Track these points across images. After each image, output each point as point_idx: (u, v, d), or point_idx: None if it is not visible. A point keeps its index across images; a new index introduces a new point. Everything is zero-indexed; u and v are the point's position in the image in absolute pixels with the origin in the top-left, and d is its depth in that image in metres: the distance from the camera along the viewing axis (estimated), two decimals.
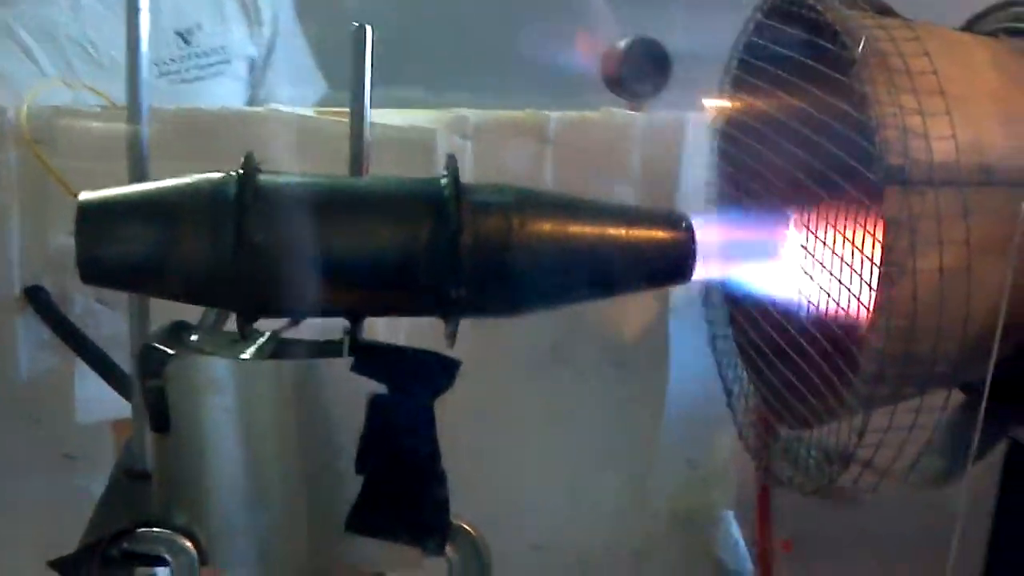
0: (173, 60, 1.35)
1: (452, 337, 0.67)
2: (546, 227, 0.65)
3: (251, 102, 1.44)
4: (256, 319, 0.66)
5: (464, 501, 0.72)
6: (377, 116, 0.95)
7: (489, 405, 1.00)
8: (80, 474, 0.96)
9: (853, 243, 0.62)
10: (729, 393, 0.86)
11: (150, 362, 0.69)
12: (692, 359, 1.03)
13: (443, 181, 0.66)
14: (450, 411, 0.70)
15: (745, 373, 0.84)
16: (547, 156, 0.96)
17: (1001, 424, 0.73)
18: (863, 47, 0.61)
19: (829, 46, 0.64)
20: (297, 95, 1.39)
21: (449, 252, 0.63)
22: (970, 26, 0.80)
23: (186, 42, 1.37)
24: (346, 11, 1.48)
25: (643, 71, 1.00)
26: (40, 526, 1.02)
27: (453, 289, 0.64)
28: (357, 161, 0.80)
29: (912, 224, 0.57)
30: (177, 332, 0.71)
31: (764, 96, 0.79)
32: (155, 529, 0.69)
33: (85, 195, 0.64)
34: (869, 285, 0.60)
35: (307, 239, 0.63)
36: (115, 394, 0.96)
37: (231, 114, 0.92)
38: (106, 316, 0.95)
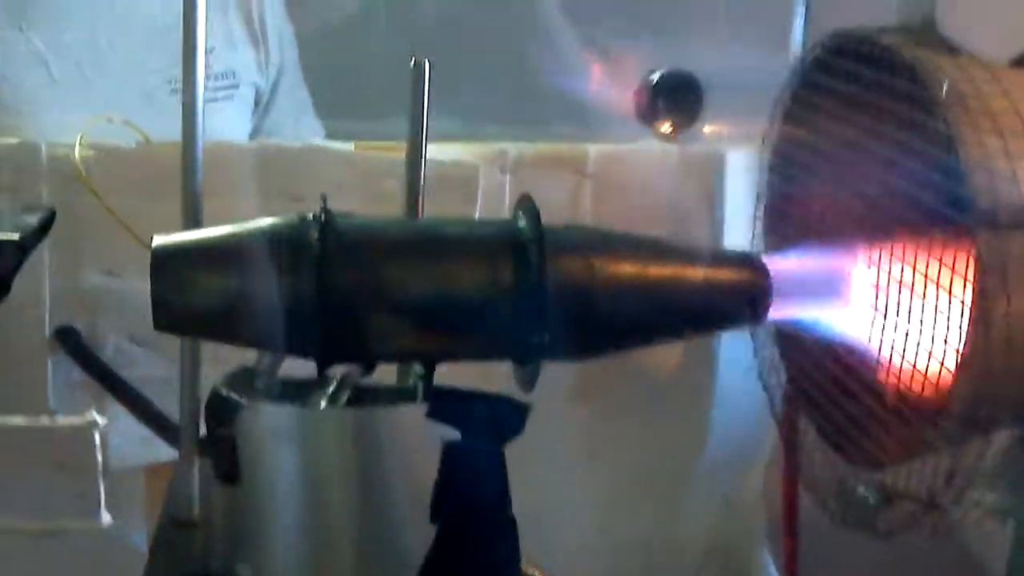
0: None
1: (531, 383, 0.66)
2: (627, 269, 0.65)
3: (255, 132, 1.44)
4: (332, 365, 0.65)
5: None
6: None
7: (525, 440, 0.98)
8: (114, 521, 0.94)
9: (938, 284, 0.62)
10: (781, 431, 0.85)
11: (220, 410, 0.67)
12: (733, 395, 1.03)
13: (521, 223, 0.65)
14: None
15: (800, 411, 0.84)
16: (586, 189, 0.96)
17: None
18: (947, 89, 0.61)
19: (904, 84, 0.65)
20: (297, 131, 1.39)
21: (532, 296, 0.62)
22: (1019, 63, 0.81)
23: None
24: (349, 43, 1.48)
25: (676, 103, 1.00)
26: (70, 574, 1.00)
27: (536, 334, 0.63)
28: (414, 196, 0.79)
29: (1004, 266, 0.58)
30: (245, 378, 0.70)
31: (818, 131, 0.79)
32: None
33: (159, 240, 0.62)
34: (959, 327, 0.60)
35: (388, 284, 0.62)
36: (149, 438, 0.94)
37: (271, 148, 0.91)
38: (139, 356, 0.93)
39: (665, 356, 1.01)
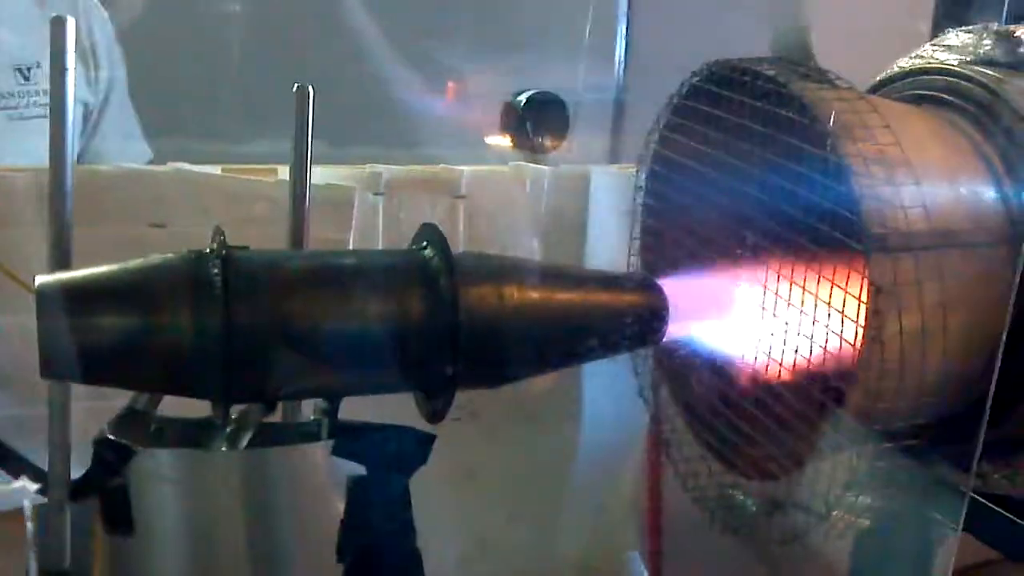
0: (12, 95, 1.28)
1: (441, 414, 0.65)
2: (534, 296, 0.65)
3: (83, 152, 1.37)
4: (234, 404, 0.62)
5: None
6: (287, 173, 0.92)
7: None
8: None
9: (830, 305, 0.65)
10: (667, 443, 0.88)
11: (111, 457, 0.63)
12: (601, 406, 1.05)
13: (427, 252, 0.64)
14: None
15: (681, 424, 0.86)
16: (459, 211, 0.95)
17: (927, 465, 0.79)
18: (833, 119, 0.64)
19: (787, 114, 0.68)
20: (123, 153, 1.35)
21: (445, 328, 0.61)
22: (875, 91, 0.86)
23: (25, 79, 1.30)
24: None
25: (543, 123, 1.01)
26: None
27: (449, 365, 0.62)
28: (298, 223, 0.76)
29: (896, 289, 0.61)
30: (131, 421, 0.66)
31: (694, 155, 0.81)
32: None
33: (44, 280, 0.58)
34: (852, 344, 0.64)
35: (296, 321, 0.60)
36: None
37: (133, 172, 0.86)
38: None
39: None
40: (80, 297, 0.57)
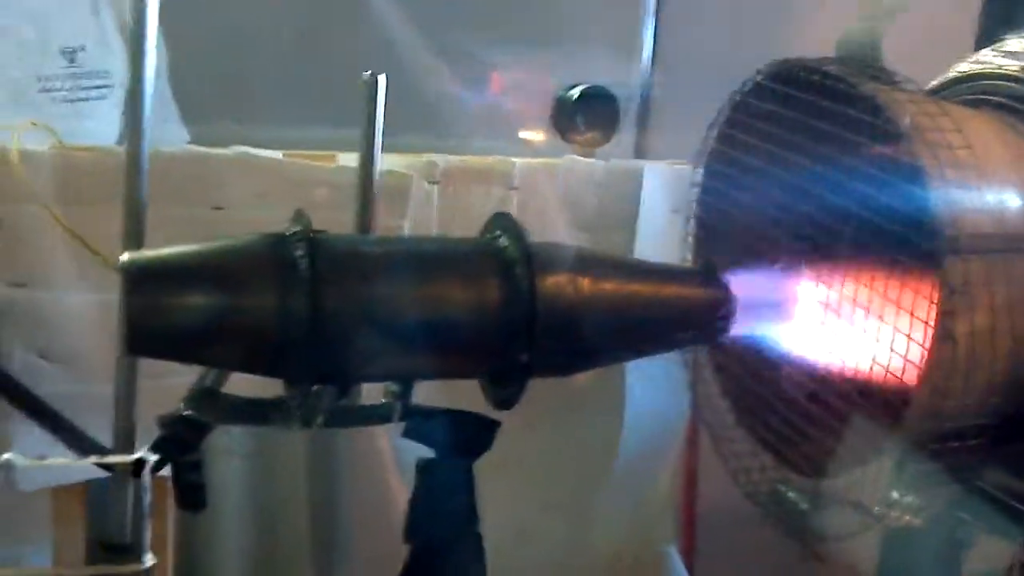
0: (57, 77, 1.29)
1: (512, 401, 0.66)
2: (608, 287, 0.66)
3: (123, 134, 1.39)
4: (318, 386, 0.63)
5: None
6: (351, 161, 0.93)
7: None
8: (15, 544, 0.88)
9: (899, 305, 0.66)
10: (717, 438, 0.88)
11: (186, 434, 0.64)
12: (642, 401, 1.06)
13: (502, 241, 0.65)
14: None
15: (732, 419, 0.87)
16: (512, 202, 0.96)
17: (970, 466, 0.79)
18: (909, 122, 0.65)
19: (857, 114, 0.68)
20: (163, 137, 1.36)
21: (521, 316, 0.62)
22: (933, 95, 0.87)
23: (71, 61, 1.30)
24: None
25: (594, 118, 1.02)
26: None
27: (523, 353, 0.63)
28: (367, 209, 0.78)
29: (968, 289, 0.62)
30: (205, 398, 0.67)
31: (755, 152, 0.82)
32: None
33: (131, 257, 0.58)
34: (921, 345, 0.65)
35: (379, 305, 0.61)
36: (59, 459, 0.88)
37: (197, 155, 0.86)
38: (48, 373, 0.87)
39: None
40: (168, 275, 0.58)
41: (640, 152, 1.40)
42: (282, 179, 0.88)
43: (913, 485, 0.77)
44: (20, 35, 1.17)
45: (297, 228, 0.61)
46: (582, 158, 0.99)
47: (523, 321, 0.62)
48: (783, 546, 1.09)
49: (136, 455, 0.73)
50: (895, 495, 0.77)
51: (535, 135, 1.06)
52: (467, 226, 0.98)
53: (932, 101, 0.69)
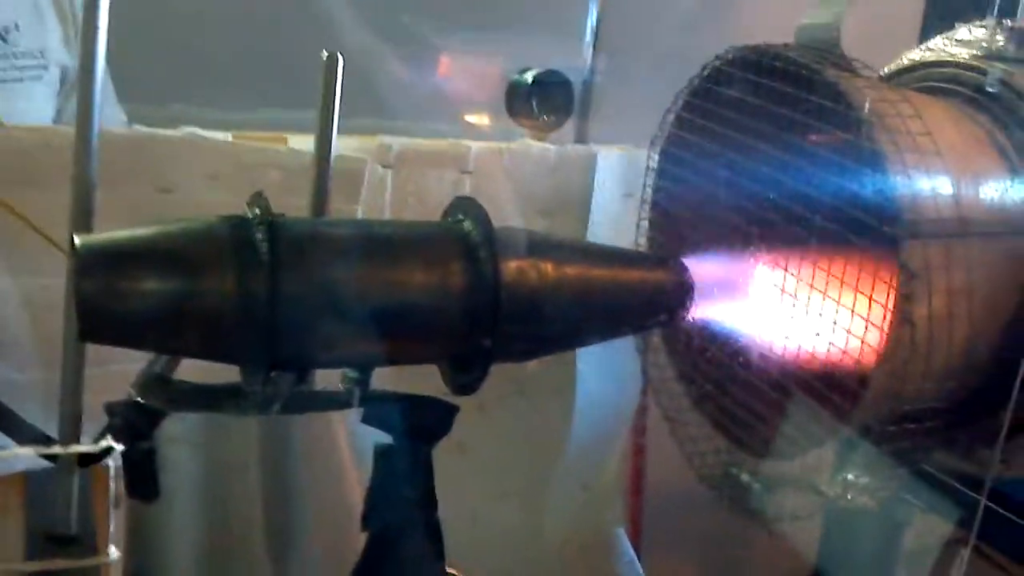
0: None
1: (474, 386, 0.65)
2: (571, 272, 0.65)
3: (58, 115, 1.34)
4: (275, 372, 0.61)
5: None
6: (302, 143, 0.91)
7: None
8: None
9: (858, 289, 0.66)
10: (671, 421, 0.89)
11: (138, 421, 0.62)
12: (592, 387, 1.06)
13: (466, 225, 0.64)
14: None
15: (686, 403, 0.87)
16: (465, 186, 0.95)
17: (925, 448, 0.81)
18: (869, 108, 0.65)
19: (821, 101, 0.69)
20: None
21: (485, 301, 0.61)
22: (887, 82, 0.88)
23: (3, 40, 1.26)
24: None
25: (549, 102, 1.01)
26: None
27: (486, 338, 0.62)
28: (322, 192, 0.76)
29: (927, 273, 0.63)
30: (155, 385, 0.65)
31: (711, 136, 0.82)
32: None
33: (84, 240, 0.56)
34: (879, 328, 0.65)
35: (342, 289, 0.59)
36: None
37: (144, 136, 0.84)
38: None
39: None
40: (122, 259, 0.56)
41: (580, 137, 1.40)
42: (232, 161, 0.86)
43: (867, 467, 0.78)
44: None
45: (255, 211, 0.60)
46: (536, 142, 0.99)
47: (487, 306, 0.62)
48: (727, 528, 1.11)
49: (104, 444, 0.71)
50: (850, 477, 0.78)
51: (483, 119, 1.05)
52: (420, 211, 0.97)
53: (892, 88, 0.69)
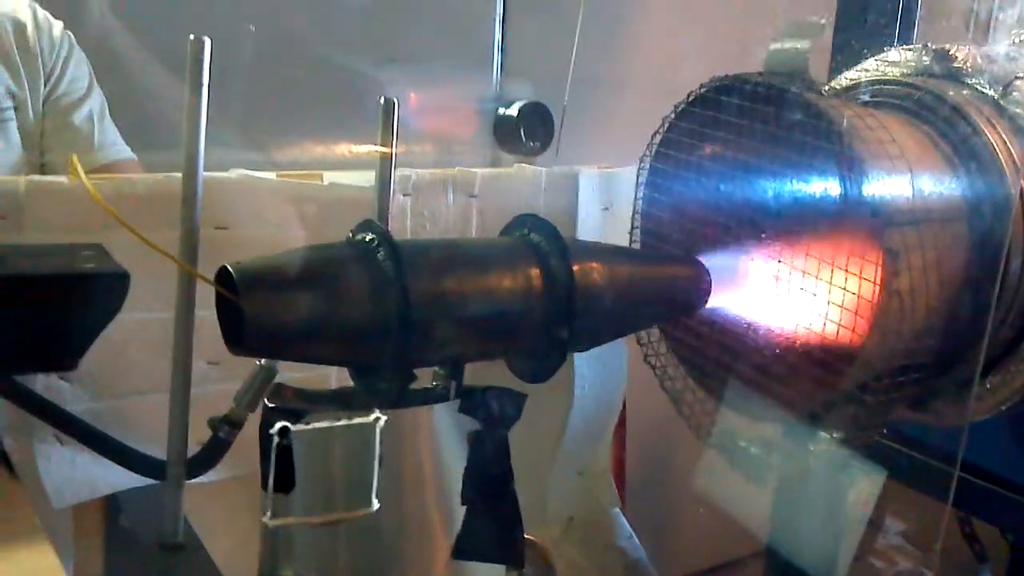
0: None
1: (547, 375, 0.77)
2: (621, 271, 0.79)
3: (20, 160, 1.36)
4: (405, 373, 0.72)
5: None
6: (333, 178, 1.01)
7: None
8: None
9: (847, 270, 0.81)
10: (676, 401, 1.02)
11: (275, 423, 0.72)
12: (588, 380, 1.19)
13: (534, 236, 0.77)
14: None
15: (689, 382, 1.01)
16: (473, 208, 1.07)
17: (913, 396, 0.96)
18: (846, 124, 0.81)
19: (802, 118, 0.84)
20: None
21: (563, 298, 0.74)
22: (837, 96, 1.04)
23: None
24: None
25: (533, 130, 1.14)
26: None
27: (564, 330, 0.75)
28: (383, 218, 0.87)
29: (905, 253, 0.78)
30: (281, 391, 0.75)
31: (699, 154, 0.96)
32: None
33: (237, 267, 0.66)
34: (869, 300, 0.80)
35: (451, 296, 0.71)
36: (86, 475, 0.92)
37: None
38: (68, 392, 0.91)
39: None
40: (278, 283, 0.67)
41: (496, 162, 1.53)
42: (276, 197, 0.95)
43: (842, 427, 0.93)
44: None
45: (365, 235, 0.71)
46: (530, 166, 1.11)
47: (563, 303, 0.74)
48: (697, 505, 1.24)
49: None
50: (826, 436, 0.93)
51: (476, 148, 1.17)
52: (433, 231, 1.08)
53: (859, 106, 0.85)
